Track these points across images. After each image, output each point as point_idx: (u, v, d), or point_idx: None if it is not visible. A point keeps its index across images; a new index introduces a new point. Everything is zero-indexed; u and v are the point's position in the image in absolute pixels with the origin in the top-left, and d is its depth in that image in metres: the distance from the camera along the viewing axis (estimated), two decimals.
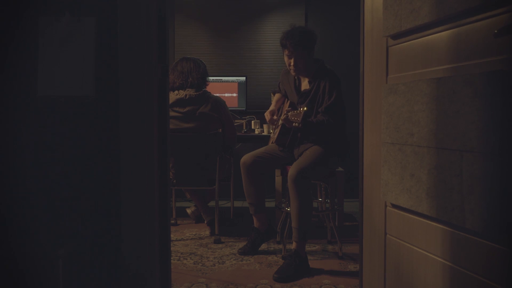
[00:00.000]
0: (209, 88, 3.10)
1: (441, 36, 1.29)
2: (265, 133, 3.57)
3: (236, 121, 3.69)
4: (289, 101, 2.79)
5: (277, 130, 2.75)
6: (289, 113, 2.40)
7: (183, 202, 4.15)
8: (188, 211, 3.55)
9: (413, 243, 1.40)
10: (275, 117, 2.79)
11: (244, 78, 4.03)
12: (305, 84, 2.68)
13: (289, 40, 2.52)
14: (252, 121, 3.78)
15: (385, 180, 1.50)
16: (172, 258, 2.54)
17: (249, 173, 2.68)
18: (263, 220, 2.76)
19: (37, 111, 1.49)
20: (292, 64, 2.56)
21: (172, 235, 3.06)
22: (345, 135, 2.66)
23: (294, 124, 2.36)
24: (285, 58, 2.61)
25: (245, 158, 2.70)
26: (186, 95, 2.93)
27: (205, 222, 3.32)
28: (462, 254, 1.20)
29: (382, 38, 1.55)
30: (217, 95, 3.16)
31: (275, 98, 2.95)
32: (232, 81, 4.01)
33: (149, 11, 1.48)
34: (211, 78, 3.36)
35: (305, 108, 2.34)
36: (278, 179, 3.22)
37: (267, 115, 2.77)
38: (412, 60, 1.41)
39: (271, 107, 2.84)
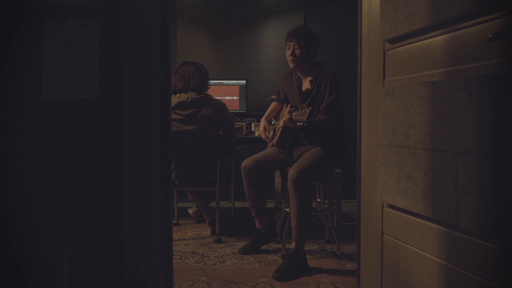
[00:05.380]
0: (210, 92, 3.13)
1: (437, 40, 1.31)
2: None
3: (236, 123, 3.72)
4: (288, 106, 2.82)
5: (277, 134, 2.78)
6: (293, 113, 2.45)
7: (184, 202, 4.17)
8: (190, 211, 3.58)
9: (410, 242, 1.42)
10: (269, 133, 2.91)
11: (244, 81, 4.06)
12: (306, 84, 2.72)
13: (292, 31, 2.69)
14: (252, 124, 3.81)
15: (382, 181, 1.52)
16: (174, 257, 2.55)
17: (250, 177, 2.70)
18: (265, 222, 2.79)
19: (42, 113, 1.51)
20: (290, 54, 2.66)
21: (174, 235, 3.07)
22: (344, 137, 2.69)
23: (298, 123, 2.41)
24: (287, 53, 2.71)
25: (246, 162, 2.72)
26: (187, 98, 2.96)
27: (206, 222, 3.35)
28: (457, 253, 1.21)
29: (379, 43, 1.57)
30: (218, 98, 3.19)
31: (269, 108, 3.00)
32: (233, 85, 4.04)
33: (151, 16, 1.51)
34: (212, 81, 3.39)
35: (310, 108, 2.39)
36: (277, 180, 3.25)
37: (261, 134, 2.92)
38: (408, 64, 1.44)
39: (263, 123, 2.94)
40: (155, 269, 1.54)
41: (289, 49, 2.67)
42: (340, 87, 2.62)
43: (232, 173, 3.37)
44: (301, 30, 2.68)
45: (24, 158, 1.51)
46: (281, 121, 2.67)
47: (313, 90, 2.64)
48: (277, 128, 2.88)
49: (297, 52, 2.64)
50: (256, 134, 3.69)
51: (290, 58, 2.67)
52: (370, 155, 1.65)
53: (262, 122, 2.95)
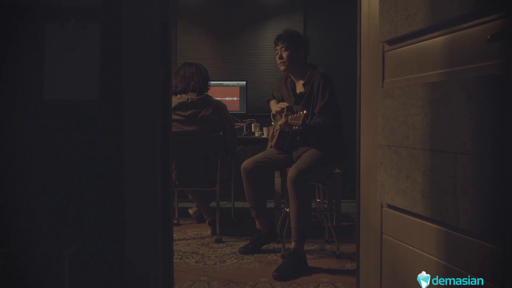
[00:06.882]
0: (210, 92, 3.14)
1: (435, 41, 1.32)
2: (265, 135, 3.61)
3: (236, 124, 3.72)
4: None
5: (276, 135, 2.79)
6: (289, 117, 2.44)
7: (185, 202, 4.18)
8: (190, 211, 3.59)
9: (409, 242, 1.43)
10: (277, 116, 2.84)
11: (245, 82, 4.07)
12: (299, 87, 2.73)
13: (278, 36, 2.72)
14: (252, 124, 3.82)
15: (381, 182, 1.53)
16: (174, 257, 2.57)
17: (250, 178, 2.71)
18: (265, 223, 2.80)
19: (43, 114, 1.52)
20: (278, 57, 2.68)
21: (174, 235, 3.09)
22: (343, 137, 2.69)
23: (294, 127, 2.40)
24: (276, 58, 2.73)
25: (246, 163, 2.73)
26: (188, 99, 2.97)
27: (207, 222, 3.36)
28: (456, 253, 1.22)
29: (378, 44, 1.58)
30: (218, 99, 3.20)
31: (272, 101, 2.98)
32: (233, 86, 4.05)
33: (152, 17, 1.51)
34: (212, 82, 3.40)
35: (304, 112, 2.38)
36: (277, 180, 3.26)
37: (278, 106, 2.76)
38: (407, 65, 1.44)
39: (274, 104, 2.88)
40: (155, 268, 1.54)
41: (277, 53, 2.70)
42: (333, 87, 2.62)
43: (232, 174, 3.38)
44: (286, 32, 2.70)
45: (25, 158, 1.52)
46: (278, 124, 2.68)
47: (306, 93, 2.64)
48: (274, 130, 2.89)
49: (284, 54, 2.65)
50: (256, 135, 3.70)
51: (279, 62, 2.69)
52: (370, 156, 1.65)
53: (273, 102, 2.91)
